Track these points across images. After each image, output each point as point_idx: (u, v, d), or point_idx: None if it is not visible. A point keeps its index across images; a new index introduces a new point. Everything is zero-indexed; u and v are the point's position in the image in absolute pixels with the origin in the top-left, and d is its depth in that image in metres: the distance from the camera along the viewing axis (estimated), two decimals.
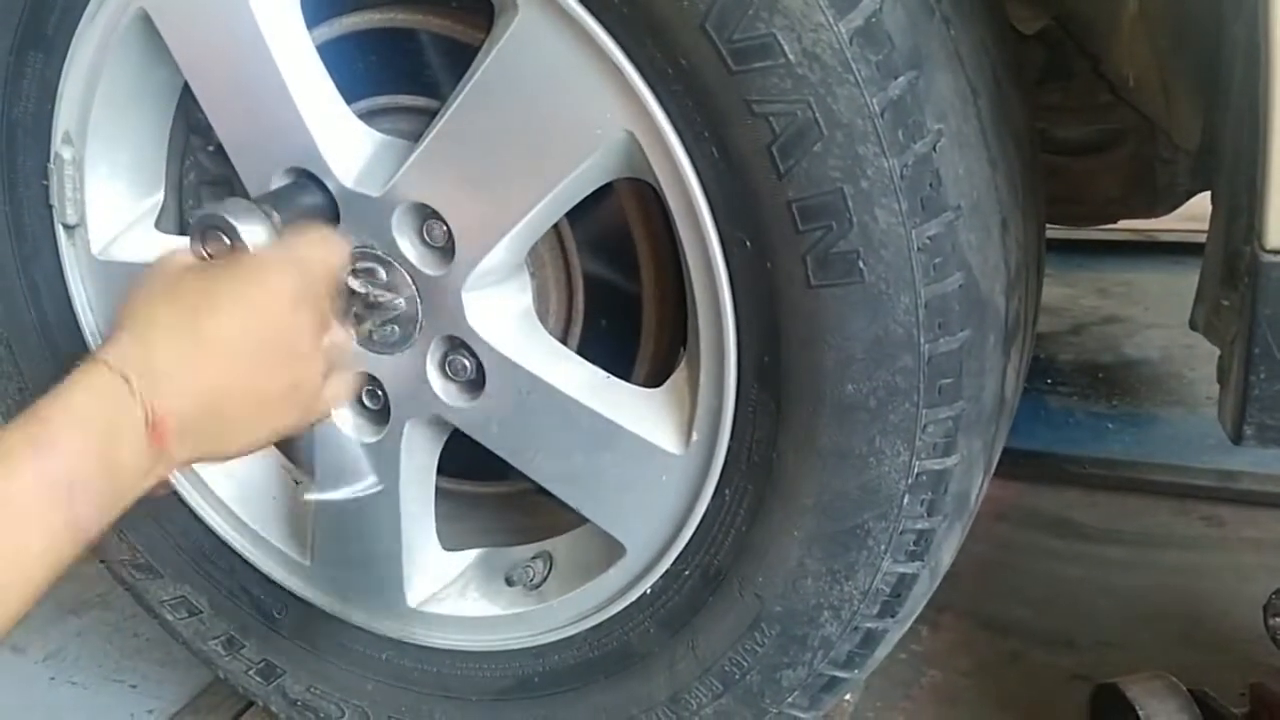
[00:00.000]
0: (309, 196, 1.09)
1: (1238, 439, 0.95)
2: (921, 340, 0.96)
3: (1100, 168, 2.08)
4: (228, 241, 0.94)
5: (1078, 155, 2.08)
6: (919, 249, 0.93)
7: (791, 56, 0.88)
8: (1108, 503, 2.05)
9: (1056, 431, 2.32)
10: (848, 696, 1.50)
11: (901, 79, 0.90)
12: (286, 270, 0.93)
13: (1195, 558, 1.86)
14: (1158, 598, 1.75)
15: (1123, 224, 2.49)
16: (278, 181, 1.12)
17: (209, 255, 0.96)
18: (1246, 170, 0.89)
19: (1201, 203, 1.16)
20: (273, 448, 1.36)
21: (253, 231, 0.95)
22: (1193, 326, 1.14)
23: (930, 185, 0.93)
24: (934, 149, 0.92)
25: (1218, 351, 1.04)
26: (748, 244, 0.97)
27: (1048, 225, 1.36)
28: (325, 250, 0.99)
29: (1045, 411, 2.41)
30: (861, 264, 0.94)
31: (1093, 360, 2.68)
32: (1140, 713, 1.21)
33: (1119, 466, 2.16)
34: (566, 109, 0.99)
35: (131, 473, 0.80)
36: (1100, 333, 2.85)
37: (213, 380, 0.86)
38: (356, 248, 1.11)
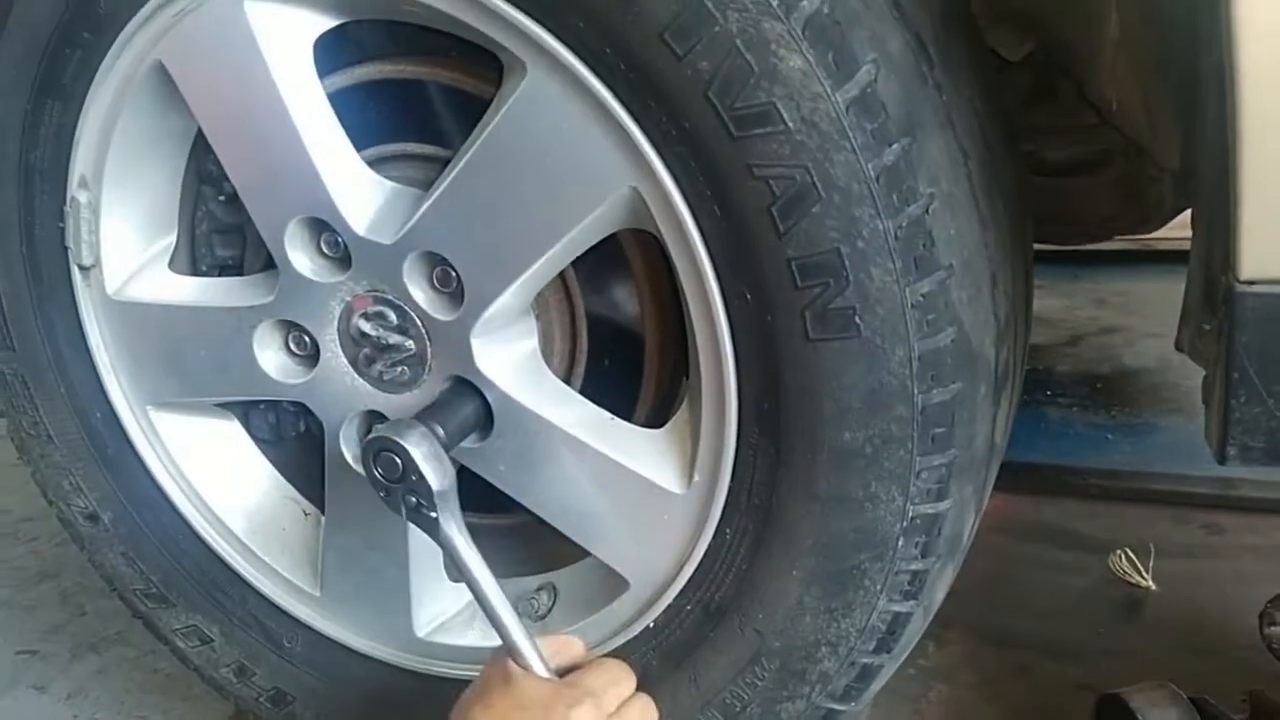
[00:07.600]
0: (467, 406, 1.15)
1: (1222, 459, 0.97)
2: (915, 391, 0.99)
3: (1090, 187, 2.09)
4: (398, 461, 1.04)
5: (1067, 176, 2.09)
6: (913, 306, 0.96)
7: (791, 124, 0.91)
8: (1108, 513, 2.06)
9: (1056, 443, 2.32)
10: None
11: (895, 145, 0.92)
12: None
13: (1196, 566, 1.87)
14: (1160, 606, 1.76)
15: None
16: (292, 230, 1.14)
17: (382, 475, 1.06)
18: (1221, 199, 0.90)
19: None
20: (281, 479, 1.40)
21: (420, 446, 1.05)
22: (1178, 347, 1.16)
23: (923, 245, 0.95)
24: (927, 211, 0.95)
25: None
26: (748, 297, 0.99)
27: (1040, 244, 1.37)
28: (617, 685, 1.12)
29: (1044, 423, 2.42)
30: (858, 319, 0.96)
31: (1091, 371, 2.68)
32: None
33: (1119, 477, 2.16)
34: (574, 165, 1.01)
35: None
36: (1098, 343, 2.86)
37: None
38: (367, 291, 1.14)
